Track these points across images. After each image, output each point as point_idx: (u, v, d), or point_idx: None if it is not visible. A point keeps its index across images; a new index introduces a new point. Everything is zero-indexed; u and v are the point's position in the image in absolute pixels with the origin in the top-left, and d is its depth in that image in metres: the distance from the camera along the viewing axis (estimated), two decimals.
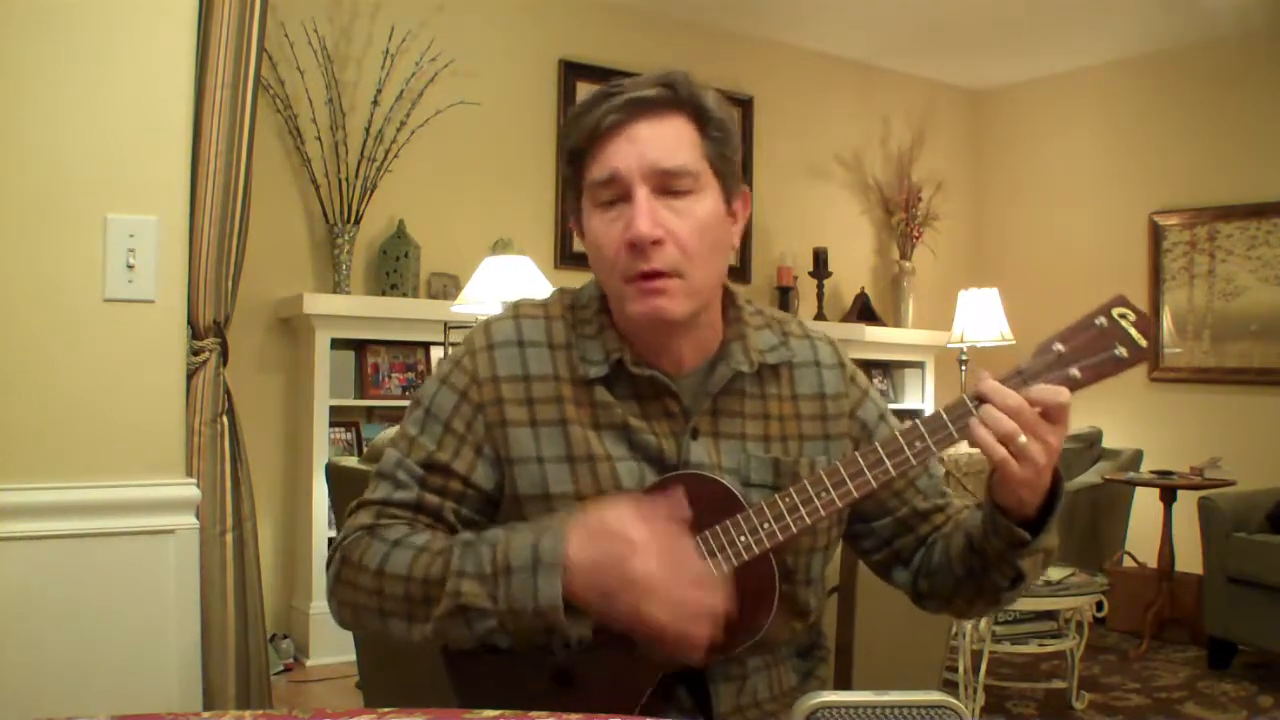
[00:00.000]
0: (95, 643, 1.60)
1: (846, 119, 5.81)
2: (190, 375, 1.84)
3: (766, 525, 1.09)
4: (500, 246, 3.82)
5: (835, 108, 5.76)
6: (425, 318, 4.21)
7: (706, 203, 1.13)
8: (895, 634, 1.84)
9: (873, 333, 5.54)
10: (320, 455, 4.01)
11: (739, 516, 1.10)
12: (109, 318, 1.62)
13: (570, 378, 1.17)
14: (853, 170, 5.87)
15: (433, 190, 4.49)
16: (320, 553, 3.98)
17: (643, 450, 1.16)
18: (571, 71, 4.87)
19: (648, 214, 1.09)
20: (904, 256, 5.90)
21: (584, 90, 4.85)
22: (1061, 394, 1.03)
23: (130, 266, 1.62)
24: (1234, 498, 4.08)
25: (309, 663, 3.95)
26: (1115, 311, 1.07)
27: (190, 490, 1.71)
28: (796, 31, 5.41)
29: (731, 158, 1.17)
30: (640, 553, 1.01)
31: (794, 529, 1.09)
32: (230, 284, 1.93)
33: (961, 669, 3.28)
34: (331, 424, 4.12)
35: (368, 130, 4.24)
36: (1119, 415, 5.23)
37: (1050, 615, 3.52)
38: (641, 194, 1.10)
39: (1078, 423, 5.00)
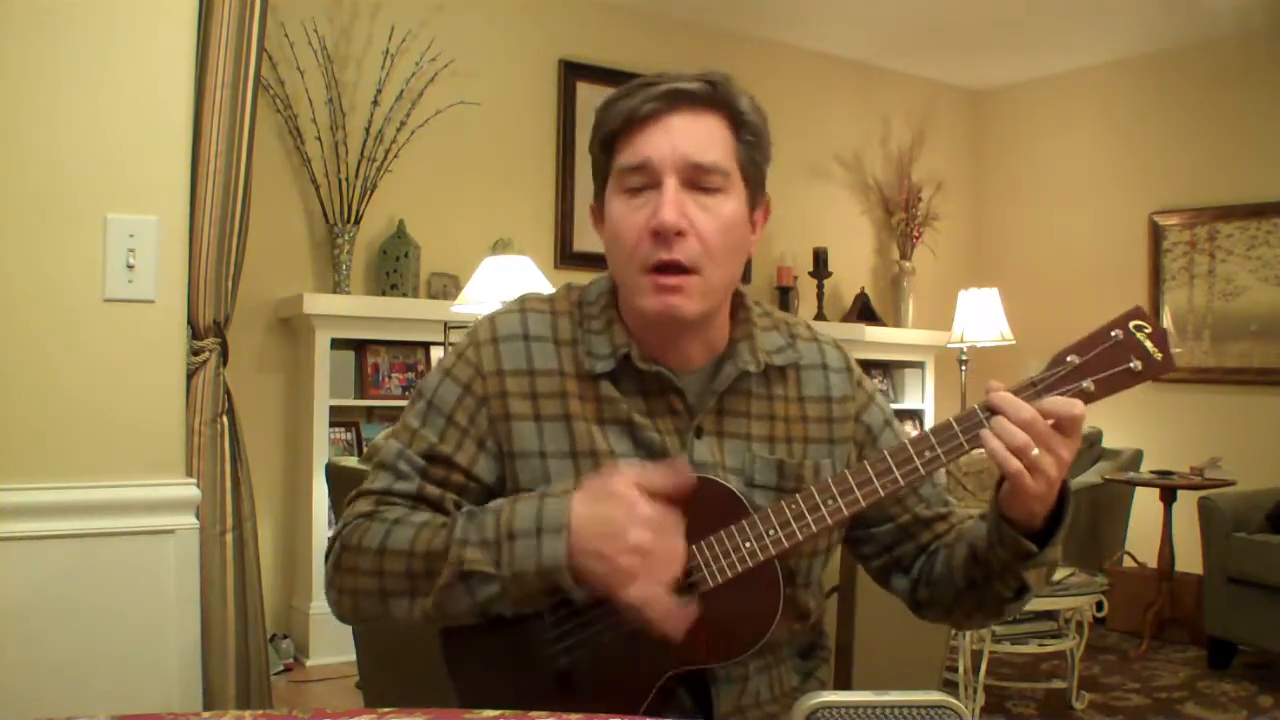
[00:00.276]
0: (95, 643, 1.60)
1: (846, 119, 5.81)
2: (190, 375, 1.84)
3: (772, 532, 1.08)
4: (500, 246, 3.82)
5: (835, 108, 5.76)
6: (425, 318, 4.21)
7: (732, 204, 1.14)
8: (895, 634, 1.84)
9: (873, 333, 5.54)
10: (320, 455, 4.01)
11: (744, 522, 1.09)
12: (109, 318, 1.62)
13: (575, 373, 1.17)
14: (853, 170, 5.87)
15: (433, 190, 4.49)
16: (320, 553, 3.98)
17: (646, 447, 1.15)
18: (571, 71, 4.87)
19: (675, 203, 1.10)
20: (904, 256, 5.90)
21: (584, 90, 4.85)
22: (1075, 406, 1.03)
23: (130, 266, 1.62)
24: (1234, 498, 4.08)
25: (309, 663, 3.95)
26: (1131, 324, 1.06)
27: (190, 490, 1.71)
28: (796, 31, 5.41)
29: (761, 164, 1.17)
30: (636, 521, 1.01)
31: (799, 536, 1.08)
32: (230, 284, 1.93)
33: (961, 669, 3.28)
34: (331, 424, 4.12)
35: (368, 130, 4.24)
36: (1119, 415, 5.23)
37: (1050, 615, 3.52)
38: (670, 184, 1.10)
39: None
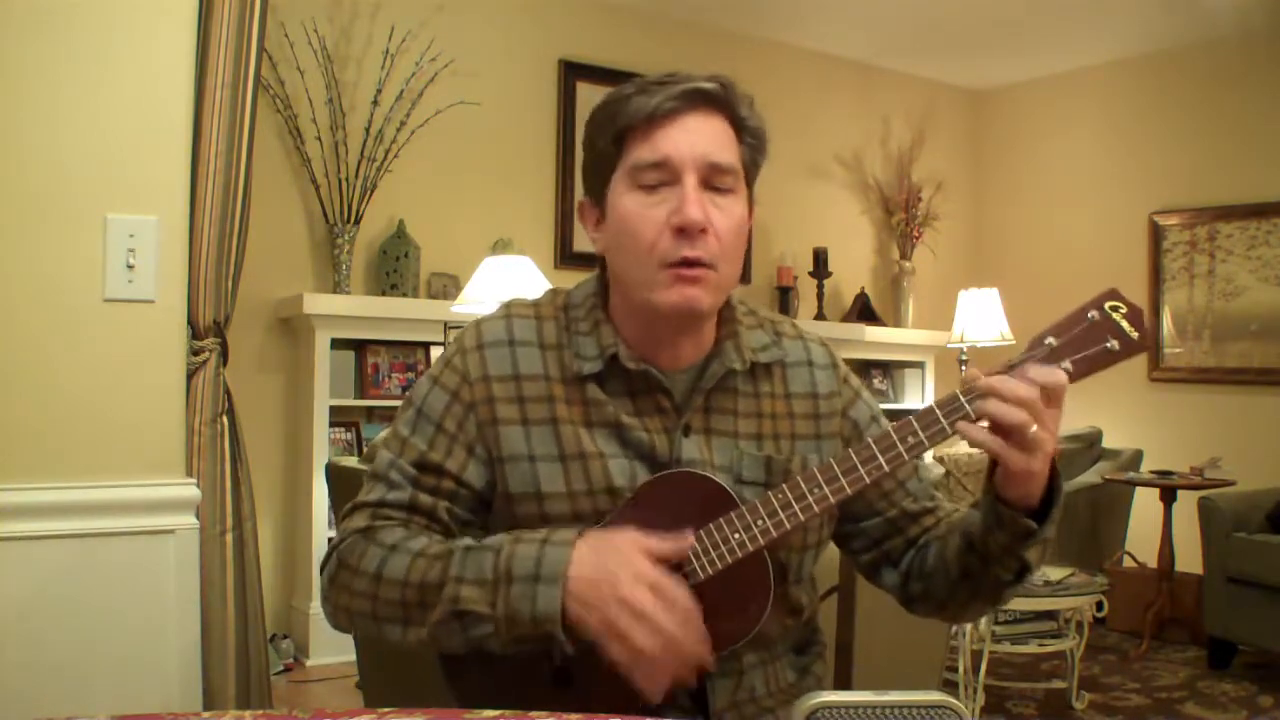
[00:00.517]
0: (95, 643, 1.60)
1: (846, 119, 5.81)
2: (190, 375, 1.84)
3: (760, 522, 1.09)
4: (500, 246, 3.82)
5: (835, 108, 5.76)
6: (425, 318, 4.21)
7: (740, 205, 1.16)
8: (895, 633, 1.84)
9: (873, 333, 5.54)
10: (320, 455, 4.01)
11: (732, 514, 1.10)
12: (109, 318, 1.62)
13: (561, 377, 1.18)
14: (853, 170, 5.87)
15: (433, 190, 4.49)
16: (320, 553, 3.97)
17: (635, 447, 1.16)
18: (571, 71, 4.87)
19: (698, 201, 1.11)
20: (904, 256, 5.90)
21: (584, 90, 4.85)
22: (1057, 374, 1.04)
23: (130, 266, 1.62)
24: (1234, 498, 4.08)
25: (309, 663, 3.95)
26: (1107, 305, 1.08)
27: (190, 490, 1.71)
28: (796, 31, 5.41)
29: (760, 167, 1.20)
30: (636, 579, 1.02)
31: (788, 525, 1.09)
32: (230, 284, 1.93)
33: (961, 669, 3.28)
34: (331, 424, 4.12)
35: (368, 130, 4.24)
36: (1119, 415, 5.23)
37: (1050, 615, 3.52)
38: (691, 181, 1.12)
39: (1077, 422, 5.02)
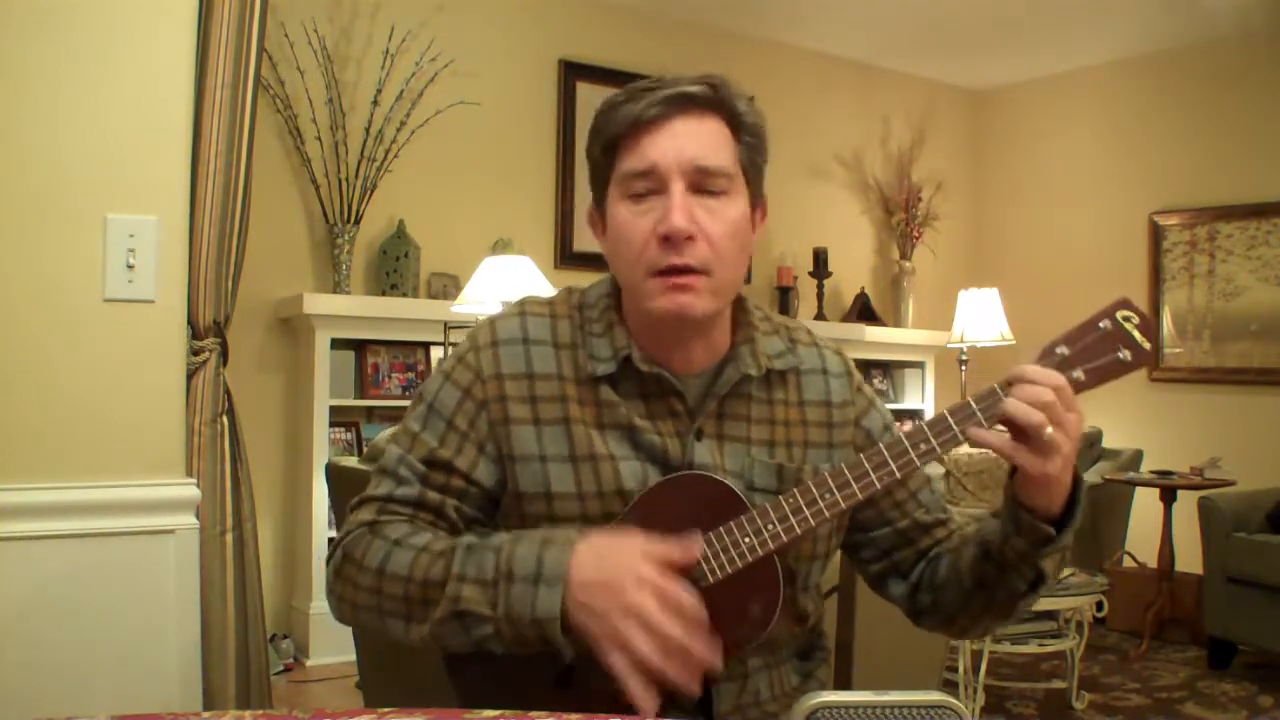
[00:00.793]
0: (95, 643, 1.60)
1: (846, 119, 5.81)
2: (190, 375, 1.84)
3: (770, 527, 1.08)
4: (500, 246, 3.82)
5: (835, 108, 5.76)
6: (425, 318, 4.21)
7: (736, 206, 1.14)
8: (895, 634, 1.84)
9: (873, 333, 5.54)
10: (320, 455, 4.01)
11: (743, 518, 1.09)
12: (109, 318, 1.62)
13: (575, 377, 1.17)
14: (853, 170, 5.87)
15: (433, 190, 4.49)
16: (320, 553, 3.98)
17: (647, 450, 1.15)
18: (571, 71, 4.87)
19: (683, 208, 1.10)
20: (904, 256, 5.90)
21: (584, 90, 4.85)
22: (1054, 376, 1.04)
23: (130, 266, 1.62)
24: (1234, 498, 4.08)
25: (309, 663, 3.95)
26: (1119, 314, 1.08)
27: (190, 490, 1.71)
28: (796, 31, 5.41)
29: (761, 165, 1.18)
30: (639, 585, 1.00)
31: (798, 530, 1.08)
32: (230, 284, 1.93)
33: (961, 669, 3.28)
34: (331, 424, 4.12)
35: (368, 130, 4.24)
36: (1119, 415, 5.23)
37: (1050, 615, 3.52)
38: (678, 188, 1.10)
39: None
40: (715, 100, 1.14)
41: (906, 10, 5.07)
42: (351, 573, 1.14)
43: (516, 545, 1.07)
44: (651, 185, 1.12)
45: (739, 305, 1.23)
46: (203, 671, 1.82)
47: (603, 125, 1.15)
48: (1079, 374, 1.06)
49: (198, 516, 1.72)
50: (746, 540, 1.08)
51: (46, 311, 1.58)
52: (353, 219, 4.22)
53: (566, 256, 4.87)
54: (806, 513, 1.08)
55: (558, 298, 1.24)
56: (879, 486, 1.08)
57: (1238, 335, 5.15)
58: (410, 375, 4.35)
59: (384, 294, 4.31)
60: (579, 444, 1.15)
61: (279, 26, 4.02)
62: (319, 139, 4.18)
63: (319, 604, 3.93)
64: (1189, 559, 4.28)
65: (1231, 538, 3.91)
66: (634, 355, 1.16)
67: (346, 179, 4.22)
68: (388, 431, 2.05)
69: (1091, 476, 4.76)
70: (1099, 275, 5.52)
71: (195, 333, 1.87)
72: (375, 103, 4.26)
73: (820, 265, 5.52)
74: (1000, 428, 1.05)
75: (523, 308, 1.22)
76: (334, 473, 2.55)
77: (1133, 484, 4.63)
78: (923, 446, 1.07)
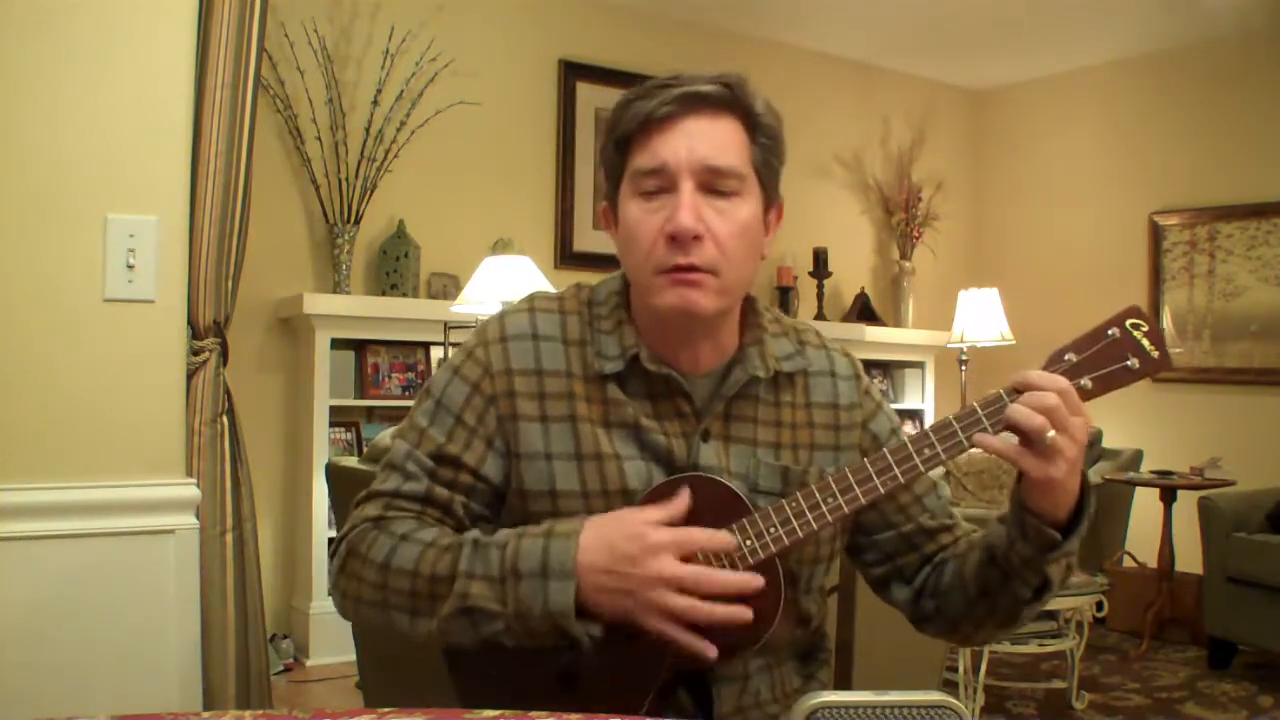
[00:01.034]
0: (95, 643, 1.60)
1: (846, 119, 5.81)
2: (190, 375, 1.84)
3: (773, 530, 1.08)
4: (500, 246, 3.82)
5: (835, 108, 5.76)
6: (425, 318, 4.21)
7: (747, 207, 1.13)
8: (895, 634, 1.84)
9: (873, 333, 5.54)
10: (320, 455, 4.01)
11: (745, 521, 1.09)
12: (109, 318, 1.62)
13: (583, 374, 1.17)
14: (853, 170, 5.87)
15: (433, 190, 4.49)
16: (320, 553, 3.98)
17: (652, 450, 1.15)
18: (571, 71, 4.87)
19: (691, 208, 1.09)
20: (904, 256, 5.90)
21: (584, 90, 4.85)
22: (1058, 380, 1.03)
23: (130, 266, 1.62)
24: (1234, 498, 4.08)
25: (309, 663, 3.95)
26: (1129, 322, 1.08)
27: (190, 490, 1.71)
28: (796, 31, 5.41)
29: (776, 167, 1.17)
30: (651, 551, 1.02)
31: (800, 534, 1.08)
32: (230, 284, 1.93)
33: (961, 669, 3.28)
34: (331, 424, 4.12)
35: (368, 130, 4.24)
36: (1119, 415, 5.23)
37: (1050, 615, 3.51)
38: (687, 187, 1.10)
39: None
40: (730, 100, 1.13)
41: (906, 10, 5.07)
42: (356, 567, 1.14)
43: (521, 540, 1.07)
44: (662, 183, 1.11)
45: (749, 306, 1.23)
46: (203, 671, 1.82)
47: (616, 121, 1.15)
48: (1086, 381, 1.06)
49: (198, 516, 1.72)
50: (748, 544, 1.08)
51: (46, 311, 1.58)
52: (353, 219, 4.22)
53: (566, 256, 4.87)
54: (809, 516, 1.08)
55: (567, 293, 1.24)
56: (882, 491, 1.08)
57: (1238, 335, 5.15)
58: (410, 375, 4.35)
59: (384, 294, 4.31)
60: (585, 442, 1.15)
61: (279, 26, 4.01)
62: (319, 139, 4.18)
63: (319, 604, 3.93)
64: (1189, 559, 4.28)
65: (1231, 538, 3.91)
66: (642, 355, 1.16)
67: (346, 179, 4.22)
68: (389, 431, 2.05)
69: (1092, 476, 4.72)
70: (1099, 275, 5.52)
71: (195, 333, 1.87)
72: (375, 103, 4.26)
73: (820, 265, 5.52)
74: (1009, 434, 1.05)
75: (532, 303, 1.21)
76: (334, 473, 2.56)
77: (1133, 484, 4.63)
78: (927, 451, 1.07)
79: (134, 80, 1.64)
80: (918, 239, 5.89)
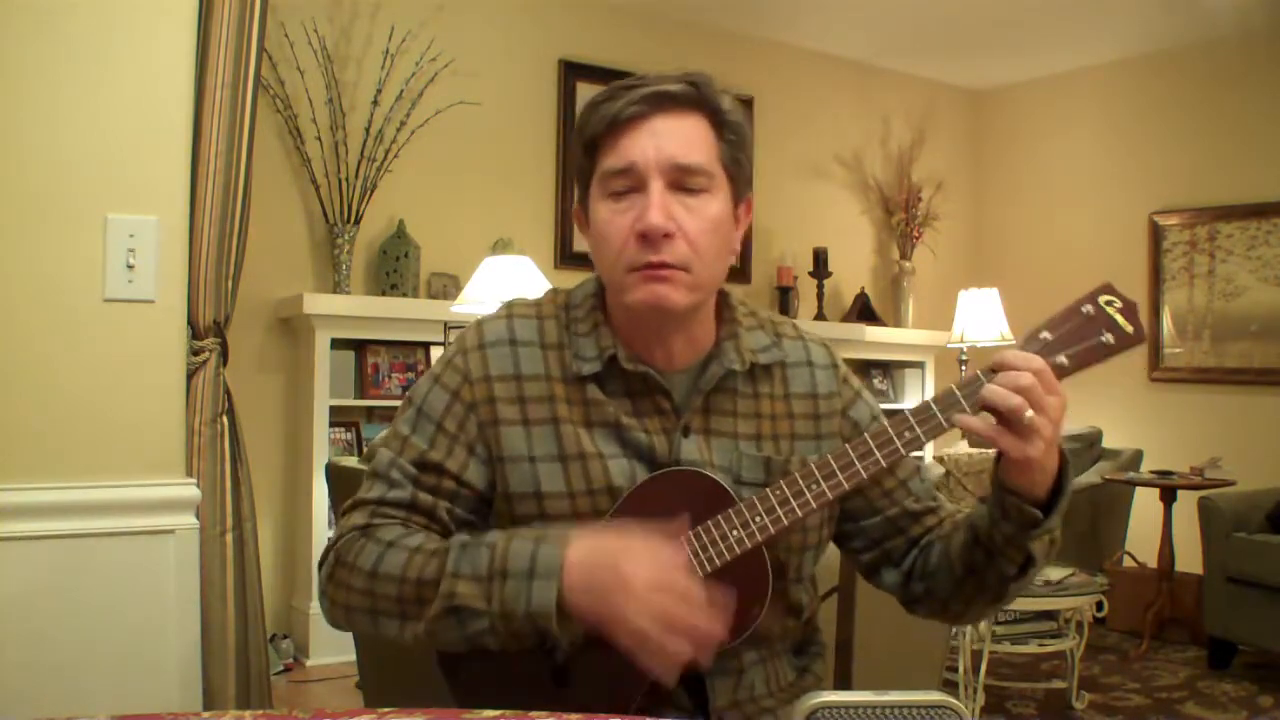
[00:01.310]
0: (95, 643, 1.60)
1: (846, 119, 5.81)
2: (190, 375, 1.84)
3: (758, 519, 1.09)
4: (500, 246, 3.82)
5: (835, 108, 5.76)
6: (425, 318, 4.21)
7: (717, 203, 1.14)
8: (895, 633, 1.84)
9: (873, 333, 5.54)
10: (320, 455, 4.01)
11: (730, 511, 1.10)
12: (109, 318, 1.62)
13: (562, 376, 1.18)
14: (853, 170, 5.87)
15: (433, 190, 4.49)
16: (320, 552, 3.98)
17: (634, 448, 1.16)
18: (571, 71, 4.87)
19: (661, 206, 1.10)
20: (904, 256, 5.90)
21: (584, 90, 4.85)
22: (1033, 360, 1.04)
23: (130, 266, 1.62)
24: (1234, 498, 4.08)
25: (309, 663, 3.95)
26: (1101, 299, 1.09)
27: (190, 490, 1.71)
28: (796, 31, 5.41)
29: (744, 163, 1.18)
30: (636, 557, 1.01)
31: (785, 521, 1.09)
32: (230, 284, 1.93)
33: (961, 669, 3.28)
34: (331, 424, 4.12)
35: (368, 130, 4.24)
36: (1119, 415, 5.23)
37: (1050, 615, 3.52)
38: (656, 186, 1.11)
39: (1077, 423, 5.01)
40: (696, 98, 1.14)
41: (906, 10, 5.07)
42: (344, 576, 1.14)
43: (511, 542, 1.08)
44: (631, 183, 1.12)
45: (723, 301, 1.24)
46: (203, 671, 1.83)
47: (584, 124, 1.16)
48: (1062, 359, 1.07)
49: (198, 516, 1.72)
50: (734, 533, 1.09)
51: (46, 311, 1.58)
52: (353, 219, 4.22)
53: (566, 256, 4.87)
54: (793, 504, 1.09)
55: (544, 298, 1.25)
56: (865, 476, 1.09)
57: (1238, 335, 5.15)
58: (410, 375, 4.35)
59: (384, 294, 4.31)
60: (567, 443, 1.15)
61: (279, 26, 4.02)
62: (319, 139, 4.18)
63: (319, 604, 3.92)
64: (1189, 559, 4.28)
65: (1231, 538, 3.91)
66: (619, 355, 1.17)
67: (346, 179, 4.22)
68: (386, 432, 2.05)
69: (1091, 476, 4.76)
70: (1099, 275, 5.38)
71: (195, 333, 1.87)
72: (375, 103, 4.26)
73: (820, 265, 5.52)
74: (987, 413, 1.05)
75: (510, 310, 1.23)
76: (334, 473, 2.55)
77: (1133, 484, 4.63)
78: (907, 435, 1.08)
79: (134, 80, 1.64)
80: (918, 239, 5.89)
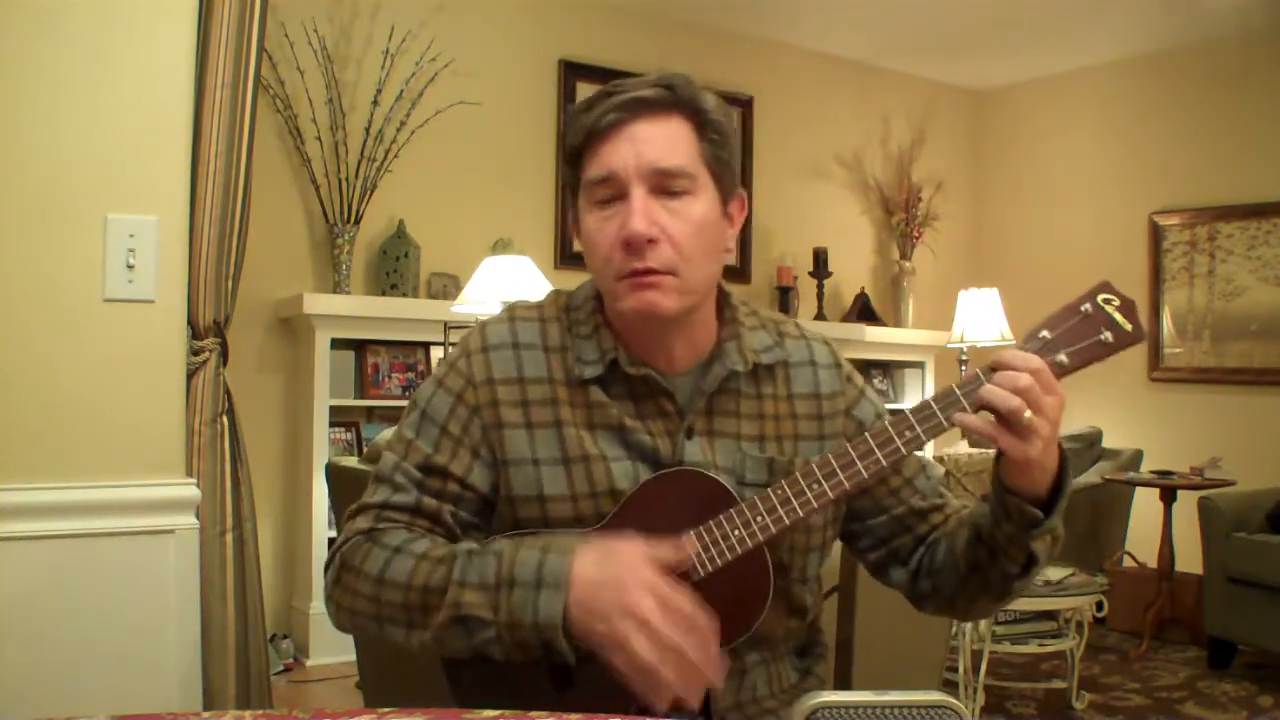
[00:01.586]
0: (95, 643, 1.60)
1: (846, 119, 5.81)
2: (190, 375, 1.84)
3: (760, 519, 1.09)
4: (500, 246, 3.82)
5: (835, 108, 5.76)
6: (425, 318, 4.21)
7: (702, 204, 1.14)
8: (895, 633, 1.84)
9: (873, 333, 5.54)
10: (320, 455, 4.01)
11: (731, 511, 1.10)
12: (109, 318, 1.62)
13: (565, 379, 1.18)
14: (853, 170, 5.87)
15: (433, 190, 4.49)
16: (320, 553, 3.98)
17: (638, 450, 1.16)
18: (571, 71, 4.87)
19: (643, 213, 1.10)
20: (904, 256, 5.90)
21: (584, 90, 4.84)
22: (1030, 359, 1.04)
23: (130, 266, 1.62)
24: (1234, 498, 4.08)
25: (309, 663, 3.95)
26: (1100, 297, 1.10)
27: (190, 490, 1.71)
28: (796, 31, 5.41)
29: (728, 160, 1.17)
30: (642, 587, 1.00)
31: (786, 521, 1.09)
32: (230, 284, 1.93)
33: (961, 669, 3.28)
34: (331, 424, 4.12)
35: (368, 130, 4.24)
36: (1119, 415, 5.23)
37: (1050, 615, 3.52)
38: (638, 193, 1.11)
39: (1077, 423, 5.02)
40: (673, 100, 1.14)
41: (906, 10, 5.07)
42: (350, 581, 1.14)
43: (518, 551, 1.07)
44: (613, 191, 1.12)
45: (723, 301, 1.24)
46: (203, 671, 1.82)
47: (567, 135, 1.17)
48: (1062, 357, 1.08)
49: (198, 516, 1.72)
50: (736, 533, 1.09)
51: (46, 311, 1.58)
52: (353, 219, 4.22)
53: (566, 256, 4.87)
54: (795, 504, 1.09)
55: (546, 300, 1.25)
56: (866, 476, 1.09)
57: (1238, 335, 5.15)
58: (410, 375, 4.35)
59: (384, 294, 4.31)
60: (570, 446, 1.15)
61: (279, 26, 4.02)
62: (319, 139, 4.18)
63: (319, 604, 3.93)
64: (1189, 559, 4.28)
65: (1231, 538, 3.91)
66: (620, 358, 1.17)
67: (346, 179, 4.22)
68: (388, 432, 2.05)
69: (1091, 476, 4.76)
70: (1099, 275, 5.36)
71: (195, 333, 1.87)
72: (375, 103, 4.26)
73: (820, 265, 5.52)
74: (987, 412, 1.06)
75: (512, 313, 1.23)
76: (334, 473, 2.56)
77: (1133, 484, 4.63)
78: (908, 434, 1.08)
79: (134, 80, 1.64)
80: (918, 239, 5.89)
